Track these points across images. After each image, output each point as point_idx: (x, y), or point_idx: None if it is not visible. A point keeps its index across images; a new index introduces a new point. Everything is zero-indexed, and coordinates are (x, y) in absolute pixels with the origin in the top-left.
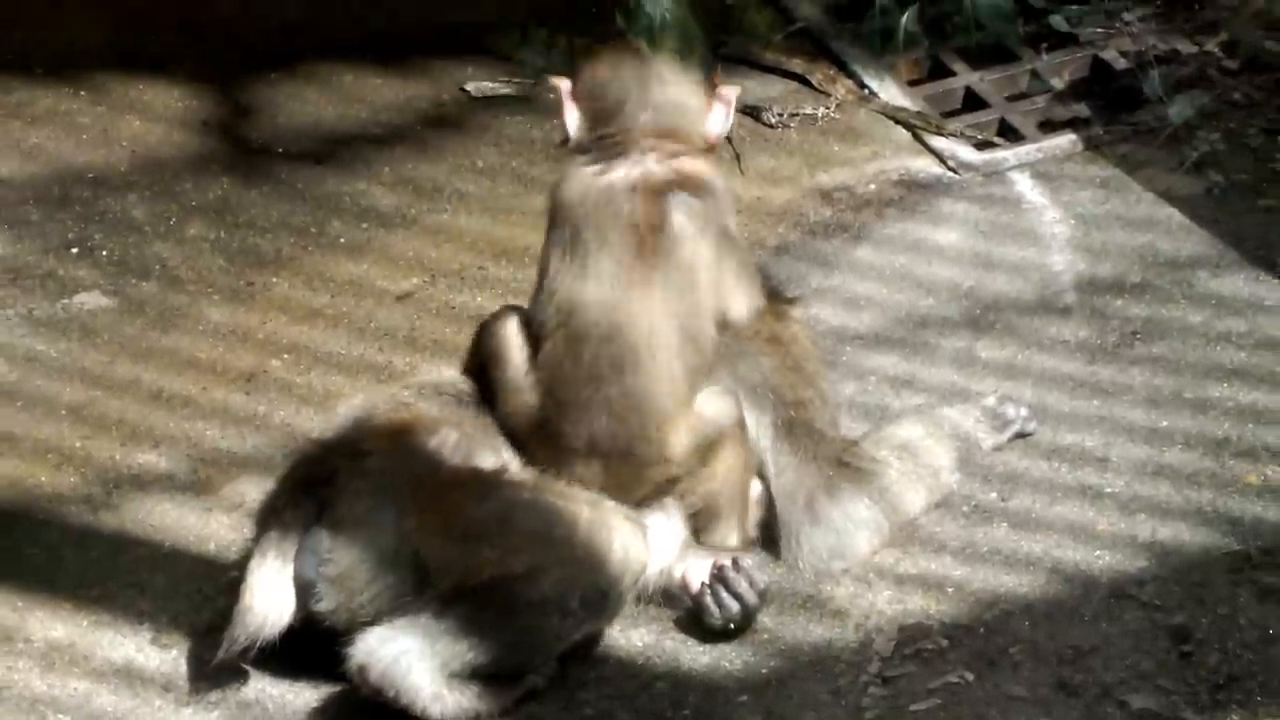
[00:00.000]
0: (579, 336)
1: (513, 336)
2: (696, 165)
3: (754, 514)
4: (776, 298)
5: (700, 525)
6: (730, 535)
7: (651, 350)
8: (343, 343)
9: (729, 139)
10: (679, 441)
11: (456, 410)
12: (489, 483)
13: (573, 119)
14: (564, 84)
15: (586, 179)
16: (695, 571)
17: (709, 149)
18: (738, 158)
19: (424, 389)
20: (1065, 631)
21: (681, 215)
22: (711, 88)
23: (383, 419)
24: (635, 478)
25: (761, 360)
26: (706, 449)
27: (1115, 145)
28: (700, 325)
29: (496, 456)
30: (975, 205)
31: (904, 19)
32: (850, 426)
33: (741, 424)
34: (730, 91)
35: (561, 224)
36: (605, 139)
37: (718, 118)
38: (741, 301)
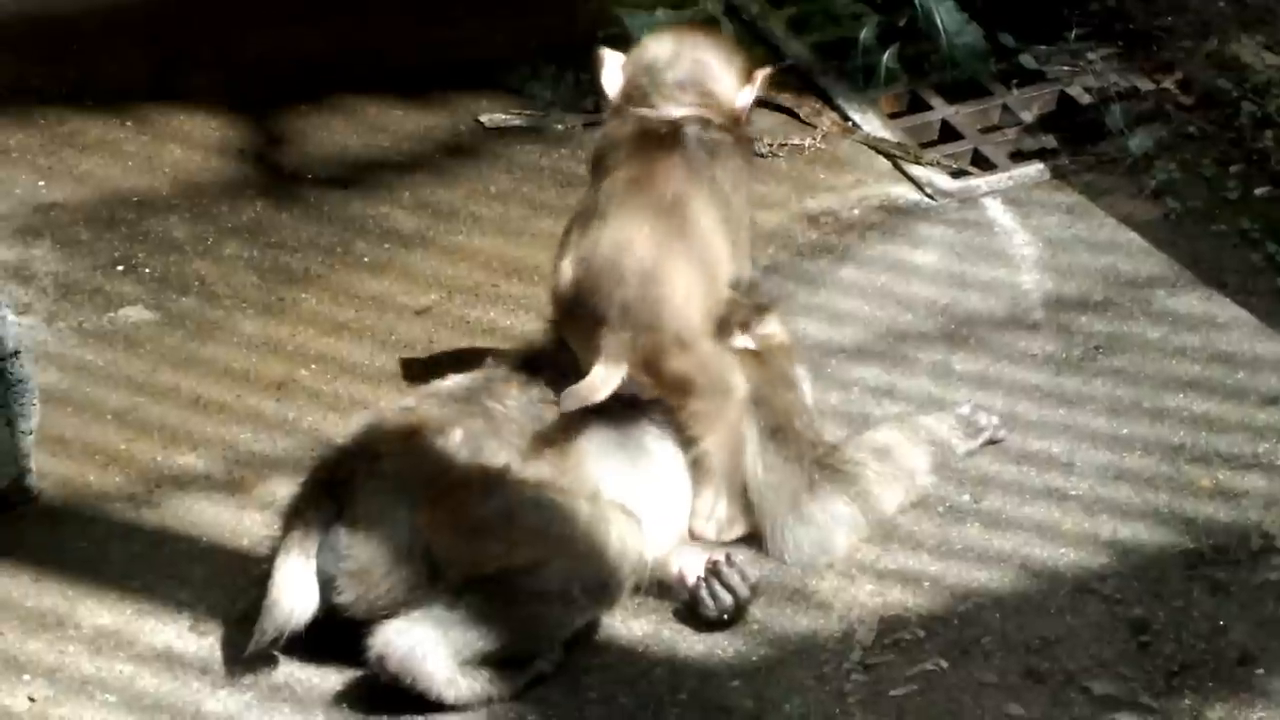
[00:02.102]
0: (602, 237)
1: (570, 227)
2: (713, 122)
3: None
4: (755, 304)
5: (694, 486)
6: (718, 509)
7: (655, 265)
8: (366, 354)
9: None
10: (694, 333)
11: (463, 412)
12: (494, 481)
13: (613, 80)
14: (610, 52)
15: (616, 121)
16: (691, 566)
17: (733, 120)
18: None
19: (435, 395)
20: (1033, 623)
21: (686, 152)
22: (750, 69)
23: (394, 422)
24: (659, 357)
25: (750, 370)
26: (710, 389)
27: (1080, 174)
28: (704, 259)
29: (501, 454)
30: (951, 229)
31: (885, 57)
32: (833, 432)
33: (745, 404)
34: (760, 72)
35: (596, 157)
36: (637, 95)
37: (745, 93)
38: (734, 264)
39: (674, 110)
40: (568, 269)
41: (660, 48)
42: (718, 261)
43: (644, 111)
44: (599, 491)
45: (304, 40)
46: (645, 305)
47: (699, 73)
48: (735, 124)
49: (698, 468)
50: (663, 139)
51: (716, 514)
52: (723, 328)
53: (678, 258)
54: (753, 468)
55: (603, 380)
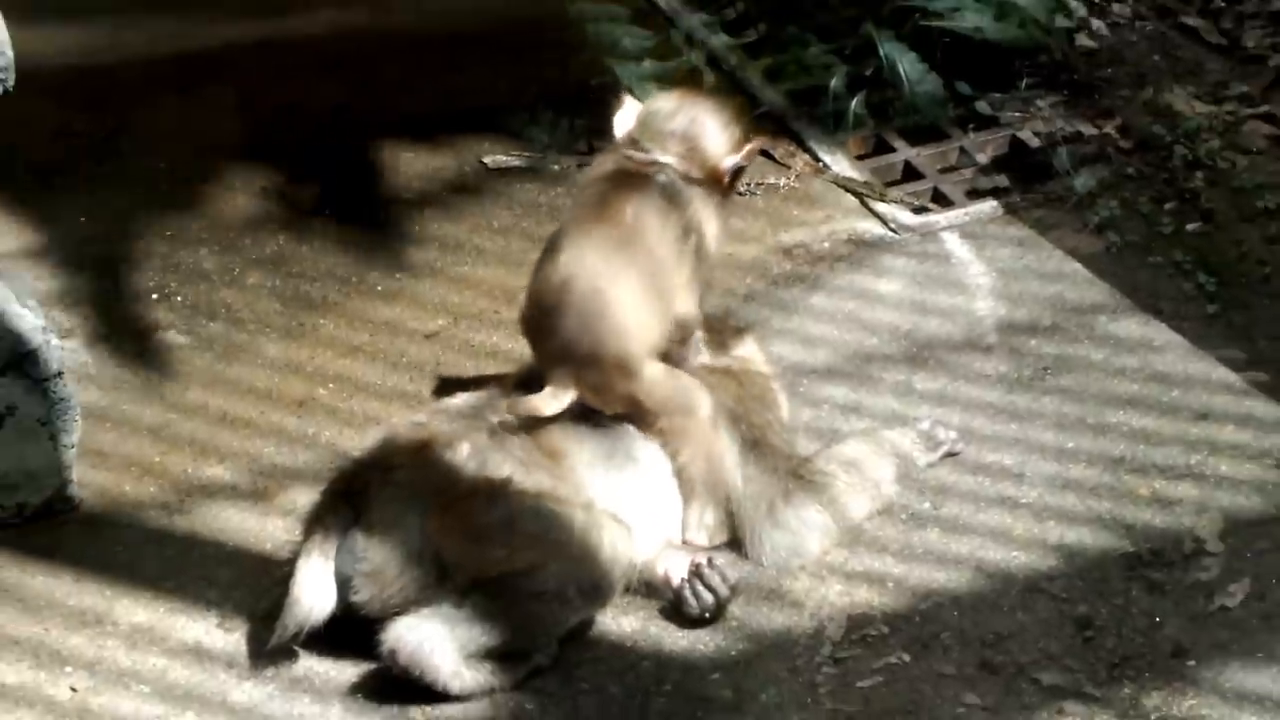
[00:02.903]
0: (548, 271)
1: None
2: (691, 174)
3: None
4: (730, 329)
5: (682, 498)
6: (707, 517)
7: (595, 300)
8: (379, 374)
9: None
10: (645, 364)
11: (470, 428)
12: (498, 491)
13: (623, 123)
14: (631, 99)
15: (603, 158)
16: (675, 568)
17: (715, 178)
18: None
19: (443, 412)
20: (987, 620)
21: (647, 192)
22: (746, 139)
23: (407, 436)
24: (603, 384)
25: (730, 390)
26: (672, 410)
27: (1030, 210)
28: (648, 292)
29: (505, 466)
30: (912, 260)
31: (853, 104)
32: (805, 445)
33: (715, 419)
34: (752, 144)
35: (578, 190)
36: (639, 136)
37: (734, 157)
38: (683, 298)
39: (657, 155)
40: (524, 298)
41: (668, 101)
42: (664, 293)
43: (630, 151)
44: (592, 500)
45: (322, 89)
46: (584, 339)
47: (692, 128)
48: (715, 182)
49: (682, 481)
50: (631, 178)
51: (705, 522)
52: (686, 349)
53: (620, 291)
54: (733, 479)
55: (551, 401)
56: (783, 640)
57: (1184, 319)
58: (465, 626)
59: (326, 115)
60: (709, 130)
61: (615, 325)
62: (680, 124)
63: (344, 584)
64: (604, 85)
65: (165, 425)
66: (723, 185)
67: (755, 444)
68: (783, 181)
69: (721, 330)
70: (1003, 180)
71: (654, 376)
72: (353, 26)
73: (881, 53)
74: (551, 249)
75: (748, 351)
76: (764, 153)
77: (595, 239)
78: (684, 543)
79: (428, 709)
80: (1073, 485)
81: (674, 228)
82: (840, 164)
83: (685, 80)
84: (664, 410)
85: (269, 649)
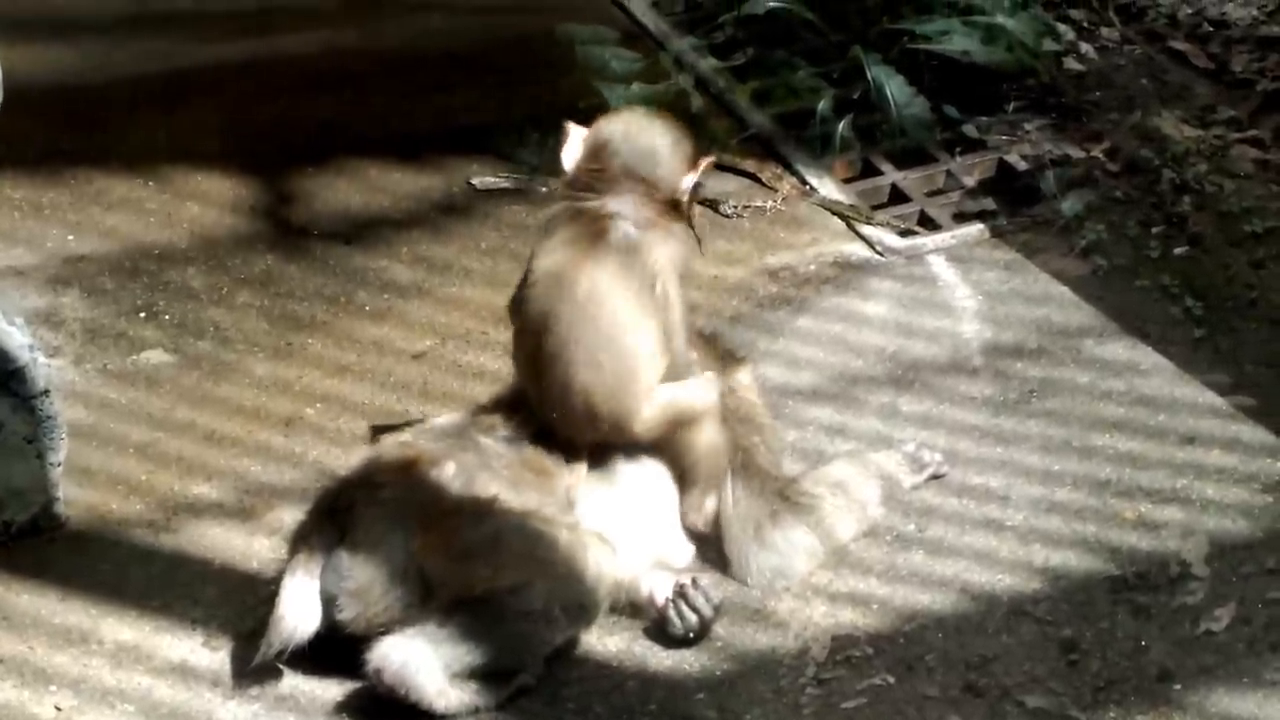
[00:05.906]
0: (534, 322)
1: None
2: (653, 209)
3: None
4: (730, 357)
5: (680, 490)
6: (706, 504)
7: (575, 374)
8: (367, 394)
9: (693, 226)
10: (640, 417)
11: (455, 447)
12: (483, 510)
13: (571, 155)
14: (574, 127)
15: (560, 206)
16: (660, 588)
17: (673, 203)
18: (699, 241)
19: (429, 432)
20: (972, 642)
21: (611, 248)
22: (696, 155)
23: (393, 456)
24: (610, 439)
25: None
26: (683, 424)
27: (1017, 234)
28: (627, 353)
29: (491, 485)
30: (898, 283)
31: (840, 127)
32: (792, 467)
33: (718, 411)
34: (705, 160)
35: (542, 235)
36: (589, 173)
37: (688, 179)
38: (665, 348)
39: (612, 198)
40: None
41: (612, 129)
42: (645, 350)
43: (584, 196)
44: (578, 520)
45: (311, 108)
46: (575, 412)
47: (643, 162)
48: (674, 208)
49: (684, 469)
50: (588, 235)
51: (705, 510)
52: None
53: (599, 359)
54: (722, 500)
55: (577, 476)
56: (767, 661)
57: (1170, 343)
58: (450, 645)
59: (316, 134)
60: (660, 157)
61: (601, 394)
62: (629, 156)
63: (329, 602)
64: (592, 108)
65: (152, 443)
66: (681, 209)
67: (742, 466)
68: (769, 204)
69: (717, 354)
70: (989, 203)
71: (650, 422)
72: (343, 46)
73: (869, 76)
74: (524, 314)
75: (741, 376)
76: (752, 176)
77: (570, 310)
78: (683, 522)
79: None
80: (1058, 508)
81: (644, 277)
82: (827, 187)
83: (673, 103)
84: (669, 438)
85: (254, 667)
